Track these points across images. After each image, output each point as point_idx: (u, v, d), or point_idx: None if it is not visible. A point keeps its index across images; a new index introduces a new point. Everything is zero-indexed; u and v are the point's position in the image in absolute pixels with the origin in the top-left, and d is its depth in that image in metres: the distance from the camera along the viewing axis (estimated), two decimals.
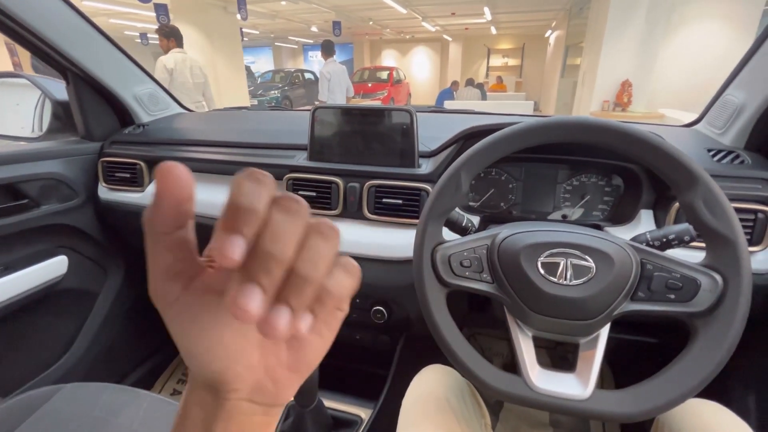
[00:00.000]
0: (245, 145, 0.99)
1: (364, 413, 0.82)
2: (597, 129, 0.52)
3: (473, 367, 0.52)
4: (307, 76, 11.14)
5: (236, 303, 0.16)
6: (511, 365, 0.54)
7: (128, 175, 1.04)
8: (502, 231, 0.56)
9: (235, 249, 0.16)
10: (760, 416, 0.71)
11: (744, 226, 0.66)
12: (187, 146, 1.04)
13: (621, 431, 1.12)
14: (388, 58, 15.53)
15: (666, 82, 5.28)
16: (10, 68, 6.64)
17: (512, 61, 14.72)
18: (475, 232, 0.62)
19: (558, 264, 0.51)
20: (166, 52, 3.27)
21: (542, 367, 0.53)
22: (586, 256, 0.51)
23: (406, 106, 0.82)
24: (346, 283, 0.20)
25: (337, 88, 4.33)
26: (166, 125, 1.17)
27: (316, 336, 0.22)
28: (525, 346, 0.54)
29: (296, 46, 16.94)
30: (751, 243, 0.67)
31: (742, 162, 0.72)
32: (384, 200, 0.81)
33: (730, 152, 0.74)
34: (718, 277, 0.47)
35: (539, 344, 0.55)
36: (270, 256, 0.16)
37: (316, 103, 4.14)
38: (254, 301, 0.16)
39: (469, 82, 6.78)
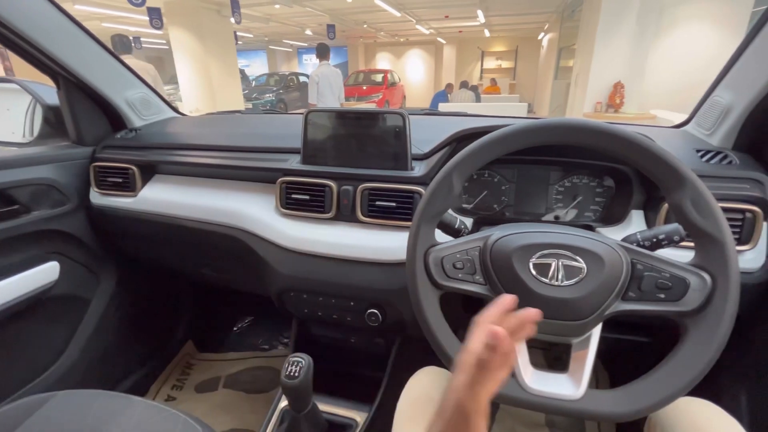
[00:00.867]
0: (239, 148, 0.99)
1: (359, 417, 0.82)
2: (586, 131, 0.52)
3: None
4: (302, 79, 11.14)
5: None
6: None
7: (120, 180, 1.04)
8: (495, 233, 0.56)
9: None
10: (751, 412, 0.71)
11: (732, 226, 0.67)
12: (180, 150, 1.04)
13: (616, 430, 1.12)
14: (383, 61, 15.57)
15: (657, 84, 5.34)
16: (1, 73, 6.58)
17: (506, 64, 14.81)
18: (468, 233, 0.63)
19: (549, 265, 0.52)
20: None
21: (536, 368, 0.53)
22: (578, 257, 0.51)
23: (398, 109, 0.82)
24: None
25: (327, 91, 4.31)
26: (159, 129, 1.16)
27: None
28: (518, 347, 0.54)
29: (291, 50, 16.93)
30: (739, 242, 0.67)
31: (730, 162, 0.73)
32: (377, 203, 0.81)
33: (718, 152, 0.75)
34: (706, 277, 0.48)
35: (533, 345, 0.55)
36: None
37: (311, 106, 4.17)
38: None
39: (464, 85, 6.81)
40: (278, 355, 1.50)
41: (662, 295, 0.49)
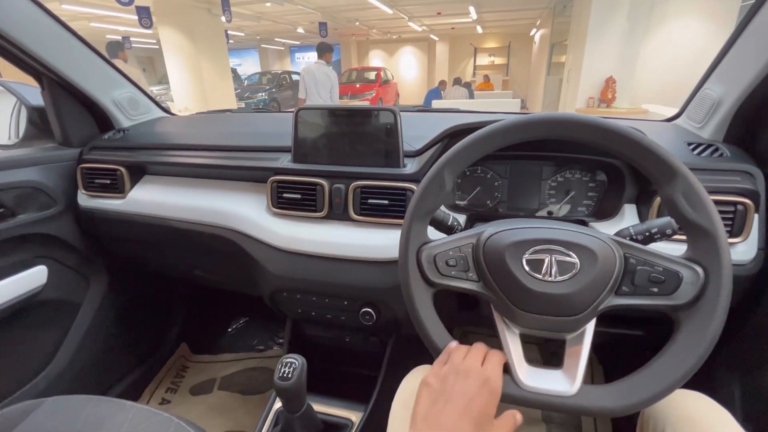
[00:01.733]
0: (229, 148, 0.97)
1: (354, 416, 0.81)
2: (577, 125, 0.52)
3: None
4: (295, 77, 11.07)
5: None
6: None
7: (109, 182, 1.02)
8: (487, 229, 0.56)
9: None
10: (745, 404, 0.72)
11: (724, 219, 0.67)
12: (169, 150, 1.02)
13: (612, 424, 1.13)
14: (376, 59, 15.53)
15: (649, 78, 5.38)
16: None
17: (498, 60, 14.84)
18: (461, 230, 0.62)
19: (543, 261, 0.51)
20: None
21: (530, 365, 0.53)
22: (570, 252, 0.51)
23: (389, 106, 0.81)
24: None
25: (312, 88, 4.34)
26: (148, 130, 1.15)
27: None
28: (512, 344, 0.53)
29: (283, 48, 16.83)
30: (731, 235, 0.67)
31: (721, 155, 0.73)
32: (370, 201, 0.80)
33: (709, 145, 0.75)
34: (699, 270, 0.47)
35: (529, 340, 0.55)
36: None
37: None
38: None
39: (457, 81, 6.81)
40: (273, 356, 1.49)
41: (655, 289, 0.49)
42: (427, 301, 0.55)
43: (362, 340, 0.96)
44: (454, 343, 0.54)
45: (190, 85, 6.90)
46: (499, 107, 4.68)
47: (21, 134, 1.13)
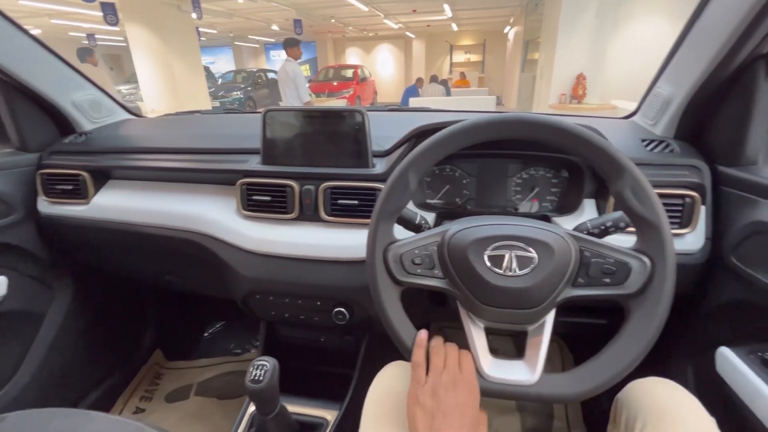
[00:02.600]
0: (197, 150, 0.96)
1: (330, 415, 0.82)
2: (535, 125, 0.54)
3: None
4: (271, 75, 10.90)
5: None
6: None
7: (71, 187, 0.98)
8: (452, 227, 0.57)
9: None
10: (698, 386, 0.76)
11: (674, 211, 0.71)
12: (135, 154, 0.99)
13: (582, 409, 1.18)
14: (353, 56, 15.44)
15: (617, 75, 5.56)
16: None
17: (474, 57, 15.02)
18: (429, 228, 0.63)
19: (503, 256, 0.53)
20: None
21: (494, 356, 0.55)
22: (529, 248, 0.53)
23: (357, 107, 0.82)
24: None
25: (287, 89, 4.34)
26: (112, 133, 1.11)
27: None
28: (477, 338, 0.55)
29: (257, 45, 16.52)
30: (680, 226, 0.72)
31: (671, 150, 0.77)
32: (340, 201, 0.81)
33: (661, 142, 0.79)
34: (646, 260, 0.50)
35: (504, 333, 0.57)
36: None
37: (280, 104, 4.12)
38: None
39: (433, 79, 6.87)
40: (251, 359, 1.47)
41: (608, 280, 0.51)
42: (394, 300, 0.56)
43: (337, 339, 0.96)
44: (423, 333, 0.55)
45: (161, 85, 6.68)
46: (474, 104, 4.74)
47: None
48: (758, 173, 0.67)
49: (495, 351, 0.55)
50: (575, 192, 0.81)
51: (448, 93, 6.97)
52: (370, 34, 14.60)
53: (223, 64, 15.60)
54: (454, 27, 12.97)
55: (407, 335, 0.55)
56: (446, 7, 8.80)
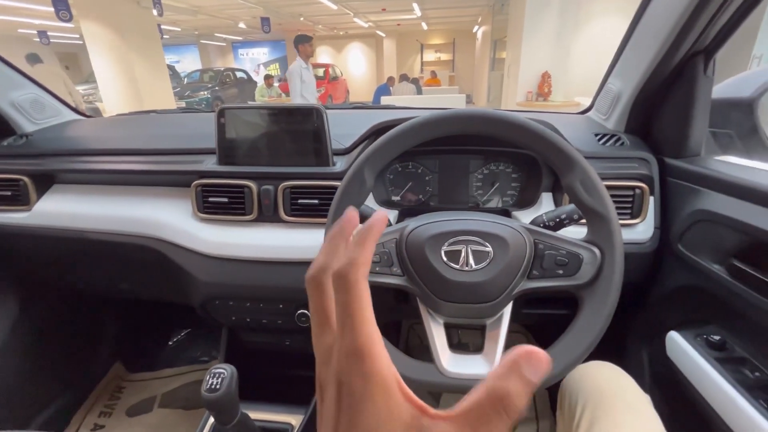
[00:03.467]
0: (149, 151, 0.91)
1: (295, 419, 0.80)
2: (486, 120, 0.54)
3: None
4: (239, 74, 10.61)
5: None
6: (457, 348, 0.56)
7: (9, 193, 0.92)
8: (410, 224, 0.57)
9: None
10: (652, 370, 0.80)
11: (624, 202, 0.74)
12: (83, 156, 0.94)
13: (549, 400, 1.21)
14: (323, 55, 15.28)
15: (580, 73, 5.76)
16: None
17: (444, 56, 15.19)
18: (390, 226, 0.63)
19: (460, 251, 0.53)
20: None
21: (453, 351, 0.55)
22: (485, 242, 0.53)
23: (315, 104, 0.80)
24: None
25: (297, 90, 4.07)
26: (56, 134, 1.04)
27: None
28: (437, 334, 0.55)
29: (224, 44, 16.06)
30: (631, 216, 0.74)
31: (622, 144, 0.80)
32: (300, 201, 0.79)
33: (612, 135, 0.82)
34: (596, 251, 0.52)
35: (469, 327, 0.57)
36: None
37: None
38: None
39: (404, 78, 6.90)
40: None
41: (561, 271, 0.52)
42: None
43: (302, 342, 0.94)
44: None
45: (122, 84, 6.37)
46: (445, 102, 4.80)
47: None
48: (701, 164, 0.70)
49: (466, 346, 0.56)
50: (533, 186, 0.83)
51: (419, 92, 7.02)
52: (341, 33, 14.50)
53: (188, 63, 15.06)
54: (424, 26, 13.08)
55: None
56: (415, 6, 8.85)
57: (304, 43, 3.88)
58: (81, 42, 6.57)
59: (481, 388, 0.17)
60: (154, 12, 6.26)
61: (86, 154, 0.94)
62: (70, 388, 1.24)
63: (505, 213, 0.81)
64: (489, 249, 0.53)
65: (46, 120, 1.09)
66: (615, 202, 0.52)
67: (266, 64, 15.44)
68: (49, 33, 9.73)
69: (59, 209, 0.91)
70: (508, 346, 0.55)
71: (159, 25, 7.26)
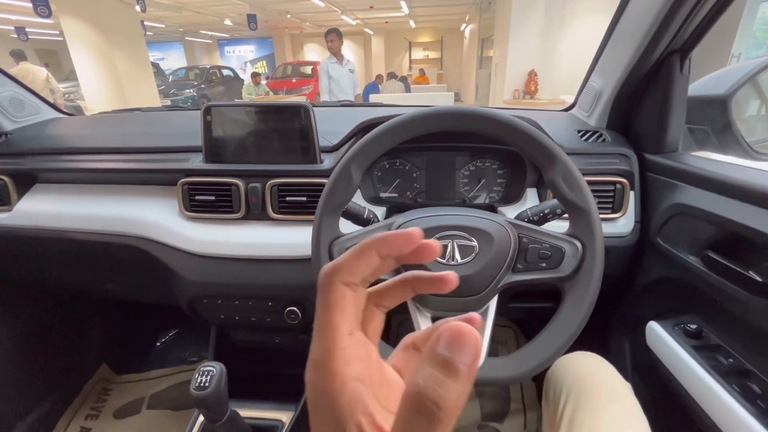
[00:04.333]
0: (134, 150, 0.90)
1: (285, 416, 0.80)
2: (470, 117, 0.55)
3: None
4: (226, 72, 10.48)
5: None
6: None
7: None
8: (397, 219, 0.58)
9: None
10: (633, 359, 0.82)
11: (606, 197, 0.76)
12: (65, 155, 0.92)
13: (537, 391, 1.23)
14: (311, 53, 15.20)
15: (565, 71, 5.85)
16: None
17: (432, 54, 15.23)
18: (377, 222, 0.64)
19: (446, 246, 0.54)
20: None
21: None
22: (471, 237, 0.54)
23: (302, 102, 0.80)
24: None
25: (325, 87, 3.84)
26: (37, 133, 1.02)
27: None
28: (424, 327, 0.56)
29: (210, 41, 15.83)
30: (612, 210, 0.76)
31: (603, 140, 0.82)
32: (288, 198, 0.79)
33: (594, 132, 0.84)
34: (578, 244, 0.53)
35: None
36: None
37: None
38: None
39: (392, 76, 6.90)
40: None
41: (544, 264, 0.54)
42: None
43: (292, 339, 0.95)
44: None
45: (104, 82, 6.22)
46: (434, 100, 4.82)
47: None
48: (678, 159, 0.73)
49: None
50: (518, 182, 0.84)
51: (407, 90, 7.03)
52: None
53: (173, 60, 14.81)
54: (412, 24, 13.09)
55: None
56: (403, 3, 8.85)
57: (328, 36, 3.68)
58: (61, 39, 6.39)
59: (405, 388, 0.14)
60: (137, 8, 6.13)
61: (69, 152, 0.92)
62: (56, 391, 1.22)
63: (492, 208, 0.83)
64: (474, 243, 0.54)
65: (26, 118, 1.06)
66: (597, 196, 0.53)
67: (253, 62, 15.27)
68: (27, 29, 9.45)
69: (41, 209, 0.90)
70: (495, 339, 0.57)
71: (142, 22, 7.13)
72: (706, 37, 0.68)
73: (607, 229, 0.74)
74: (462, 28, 12.94)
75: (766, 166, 0.62)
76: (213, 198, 0.80)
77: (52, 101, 1.15)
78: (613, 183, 0.76)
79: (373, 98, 5.73)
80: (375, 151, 0.57)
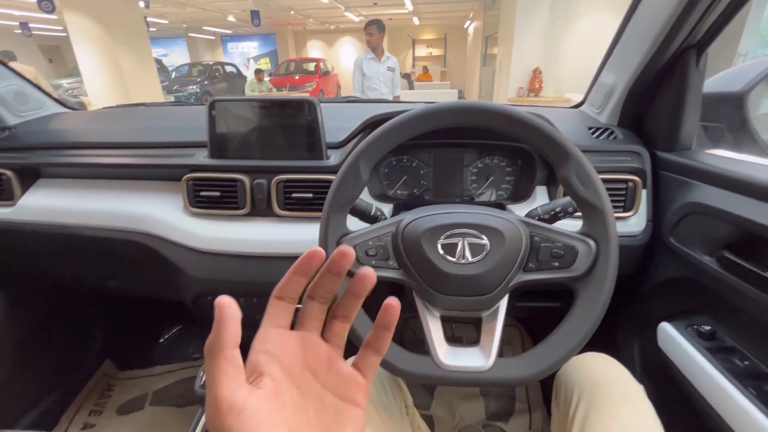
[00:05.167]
0: (138, 145, 0.89)
1: None
2: (483, 112, 0.54)
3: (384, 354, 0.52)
4: (229, 69, 10.47)
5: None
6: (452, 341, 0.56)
7: None
8: (406, 217, 0.56)
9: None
10: (642, 361, 0.81)
11: (618, 195, 0.74)
12: (70, 150, 0.91)
13: (542, 391, 1.22)
14: (315, 50, 15.15)
15: (570, 69, 5.82)
16: None
17: (436, 51, 15.16)
18: (385, 220, 0.62)
19: (456, 244, 0.53)
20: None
21: (451, 344, 0.55)
22: (482, 235, 0.53)
23: (308, 97, 0.79)
24: None
25: (358, 84, 3.43)
26: (41, 127, 1.02)
27: None
28: (433, 327, 0.55)
29: (213, 37, 15.81)
30: (624, 209, 0.75)
31: (615, 137, 0.80)
32: (294, 195, 0.78)
33: (606, 129, 0.82)
34: (591, 243, 0.52)
35: (464, 321, 0.57)
36: None
37: None
38: None
39: None
40: None
41: (557, 263, 0.52)
42: None
43: None
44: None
45: (107, 78, 6.23)
46: (437, 98, 4.80)
47: None
48: (692, 157, 0.71)
49: (459, 339, 0.55)
50: (528, 179, 0.83)
51: (411, 87, 7.01)
52: (332, 27, 14.37)
53: (176, 56, 14.80)
54: (416, 21, 13.02)
55: (360, 326, 0.54)
56: (407, 0, 8.80)
57: (367, 28, 3.18)
58: (65, 34, 6.39)
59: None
60: (141, 4, 6.12)
61: (72, 147, 0.92)
62: (59, 387, 1.21)
63: (500, 206, 0.81)
64: (485, 242, 0.53)
65: (30, 113, 1.06)
66: (608, 195, 0.52)
67: (256, 59, 15.25)
68: (30, 25, 9.46)
69: (45, 204, 0.89)
70: (502, 339, 0.56)
71: (145, 18, 7.12)
72: None
73: (619, 228, 0.73)
74: (466, 26, 12.87)
75: None
76: (218, 194, 0.79)
77: None
78: (625, 181, 0.74)
79: None
80: (384, 147, 0.56)
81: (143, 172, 0.88)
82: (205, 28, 13.53)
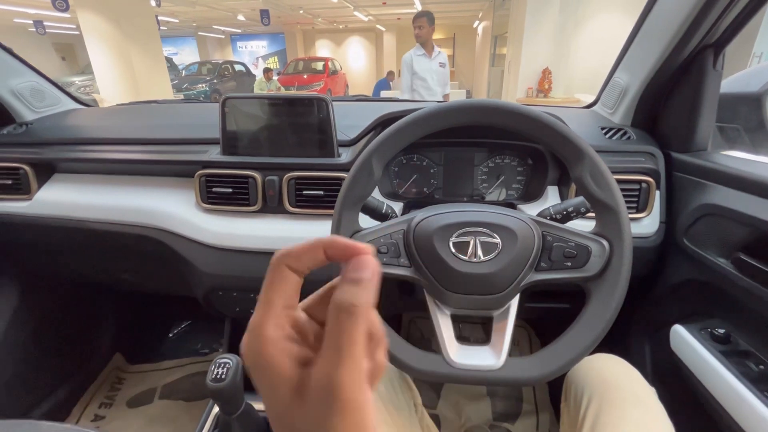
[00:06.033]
0: (152, 141, 0.90)
1: None
2: (497, 111, 0.54)
3: (395, 351, 0.53)
4: (238, 67, 10.53)
5: None
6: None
7: (10, 182, 0.91)
8: (417, 215, 0.56)
9: None
10: (654, 362, 0.80)
11: (631, 196, 0.74)
12: (84, 146, 0.93)
13: (549, 392, 1.21)
14: (323, 49, 15.19)
15: (580, 70, 5.76)
16: None
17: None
18: (395, 218, 0.63)
19: (468, 243, 0.53)
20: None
21: (461, 343, 0.55)
22: (494, 234, 0.53)
23: (321, 95, 0.79)
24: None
25: (406, 83, 3.07)
26: (57, 123, 1.03)
27: None
28: (444, 325, 0.55)
29: (223, 36, 15.92)
30: (637, 210, 0.74)
31: (629, 138, 0.79)
32: (305, 192, 0.78)
33: (619, 129, 0.82)
34: (605, 243, 0.51)
35: (473, 321, 0.57)
36: None
37: None
38: None
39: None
40: None
41: (569, 263, 0.52)
42: None
43: None
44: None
45: (119, 76, 6.30)
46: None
47: None
48: (707, 158, 0.70)
49: (466, 339, 0.55)
50: (539, 179, 0.82)
51: None
52: (341, 27, 14.39)
53: (186, 55, 14.93)
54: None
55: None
56: (416, 0, 8.79)
57: (416, 21, 2.85)
58: (78, 33, 6.48)
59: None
60: (152, 3, 6.18)
61: (87, 143, 0.93)
62: (70, 379, 1.23)
63: (511, 206, 0.81)
64: (498, 240, 0.53)
65: (46, 108, 1.07)
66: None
67: (265, 58, 15.33)
68: (45, 23, 9.60)
69: (60, 198, 0.91)
70: (511, 339, 0.55)
71: (156, 16, 7.19)
72: None
73: (632, 229, 0.72)
74: (475, 26, 12.81)
75: None
76: (230, 190, 0.80)
77: None
78: (639, 182, 0.73)
79: (385, 95, 5.71)
80: (397, 145, 0.56)
81: (156, 168, 0.89)
82: (214, 27, 13.63)
